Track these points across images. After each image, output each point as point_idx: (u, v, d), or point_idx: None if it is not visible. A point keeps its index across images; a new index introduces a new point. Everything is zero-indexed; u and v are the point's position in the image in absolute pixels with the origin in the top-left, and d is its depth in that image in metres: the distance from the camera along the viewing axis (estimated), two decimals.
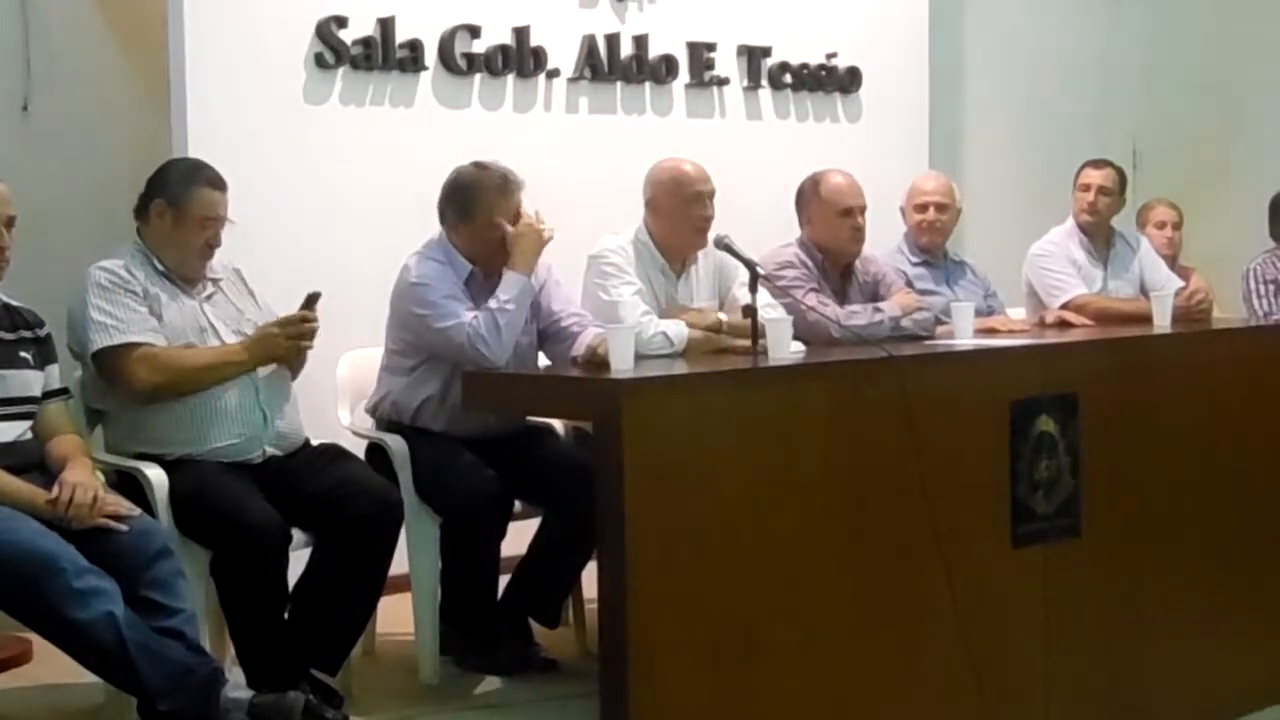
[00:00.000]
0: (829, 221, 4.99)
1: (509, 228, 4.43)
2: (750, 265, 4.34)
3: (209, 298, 4.28)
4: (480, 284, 4.53)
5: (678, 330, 4.46)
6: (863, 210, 5.01)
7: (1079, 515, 4.19)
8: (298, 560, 4.09)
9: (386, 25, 5.38)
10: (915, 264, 5.57)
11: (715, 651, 3.49)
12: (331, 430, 4.61)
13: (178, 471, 4.03)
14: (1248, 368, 4.77)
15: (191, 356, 4.14)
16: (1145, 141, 7.77)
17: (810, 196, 5.04)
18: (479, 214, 4.48)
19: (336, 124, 5.30)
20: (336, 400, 4.74)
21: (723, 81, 6.20)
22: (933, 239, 5.66)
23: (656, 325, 4.45)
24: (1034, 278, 5.90)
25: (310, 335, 4.26)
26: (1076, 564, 4.20)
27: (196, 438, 4.10)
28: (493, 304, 4.31)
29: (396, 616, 4.62)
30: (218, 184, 4.24)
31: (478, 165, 4.56)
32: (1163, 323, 5.16)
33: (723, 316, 4.58)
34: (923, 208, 5.64)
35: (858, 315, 4.76)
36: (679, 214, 4.71)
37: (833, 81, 6.50)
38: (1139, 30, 7.84)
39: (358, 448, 4.54)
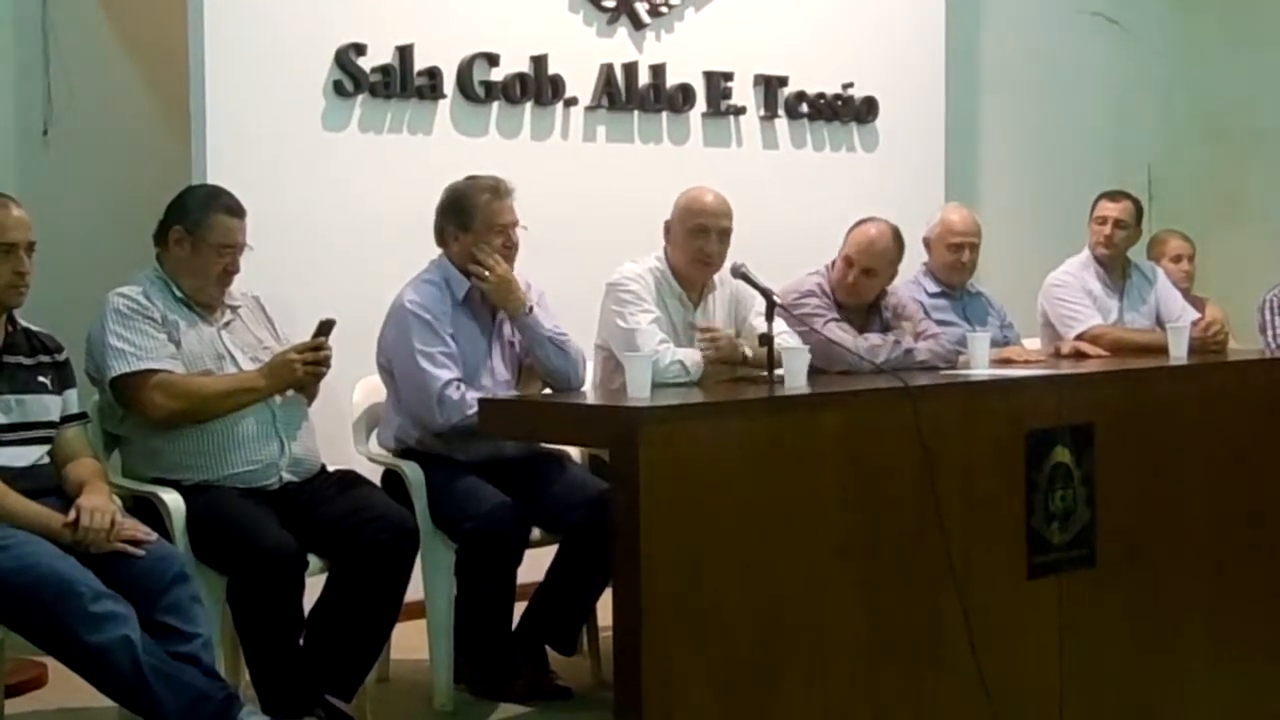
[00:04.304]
0: (840, 269, 5.01)
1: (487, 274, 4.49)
2: (766, 294, 4.34)
3: (227, 325, 4.29)
4: (478, 301, 4.56)
5: (694, 359, 4.47)
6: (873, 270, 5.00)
7: (1094, 546, 4.19)
8: (313, 586, 4.10)
9: (405, 53, 5.40)
10: (933, 295, 5.56)
11: (730, 681, 3.48)
12: (348, 457, 4.62)
13: (195, 497, 4.04)
14: (1263, 399, 4.76)
15: (209, 384, 4.15)
16: (1161, 171, 7.77)
17: (846, 237, 5.04)
18: (477, 220, 4.54)
19: (355, 151, 5.32)
20: (352, 427, 4.75)
21: (739, 111, 6.22)
22: (964, 277, 5.67)
23: (673, 354, 4.46)
24: (1050, 308, 5.91)
25: (325, 362, 4.28)
26: (1092, 595, 4.19)
27: (214, 464, 4.12)
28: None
29: (411, 643, 4.62)
30: (235, 211, 4.25)
31: (469, 178, 4.64)
32: (1179, 354, 5.14)
33: (747, 352, 4.54)
34: (958, 248, 5.59)
35: (880, 349, 4.73)
36: (683, 242, 4.73)
37: (849, 111, 6.51)
38: (1155, 61, 7.85)
39: (374, 474, 4.54)
